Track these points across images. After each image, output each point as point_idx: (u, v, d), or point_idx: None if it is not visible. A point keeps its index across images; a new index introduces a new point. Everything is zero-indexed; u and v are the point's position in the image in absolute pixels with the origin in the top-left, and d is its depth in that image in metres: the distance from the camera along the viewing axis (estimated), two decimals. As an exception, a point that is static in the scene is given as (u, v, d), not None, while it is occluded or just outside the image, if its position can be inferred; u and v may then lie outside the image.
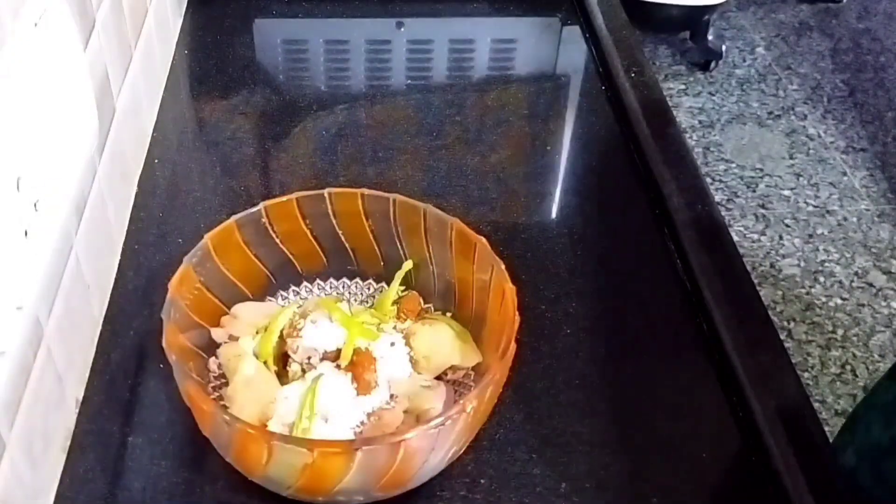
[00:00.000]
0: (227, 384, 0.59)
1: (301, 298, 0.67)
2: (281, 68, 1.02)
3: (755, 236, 2.12)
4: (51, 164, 0.54)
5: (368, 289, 0.67)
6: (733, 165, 2.34)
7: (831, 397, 1.76)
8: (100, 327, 0.67)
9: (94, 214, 0.66)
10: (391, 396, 0.59)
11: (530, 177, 0.87)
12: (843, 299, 1.96)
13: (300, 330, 0.60)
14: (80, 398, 0.62)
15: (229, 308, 0.63)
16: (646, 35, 2.79)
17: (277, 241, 0.64)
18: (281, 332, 0.61)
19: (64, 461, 0.58)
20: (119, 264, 0.72)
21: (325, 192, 0.64)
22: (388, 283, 0.66)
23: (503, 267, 0.58)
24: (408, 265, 0.65)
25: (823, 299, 1.96)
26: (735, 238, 0.74)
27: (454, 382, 0.61)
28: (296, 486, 0.52)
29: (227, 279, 0.62)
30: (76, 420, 0.60)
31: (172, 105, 0.91)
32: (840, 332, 1.89)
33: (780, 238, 2.12)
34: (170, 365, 0.52)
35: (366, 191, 0.64)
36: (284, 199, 0.63)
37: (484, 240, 0.60)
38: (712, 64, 2.69)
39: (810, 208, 2.21)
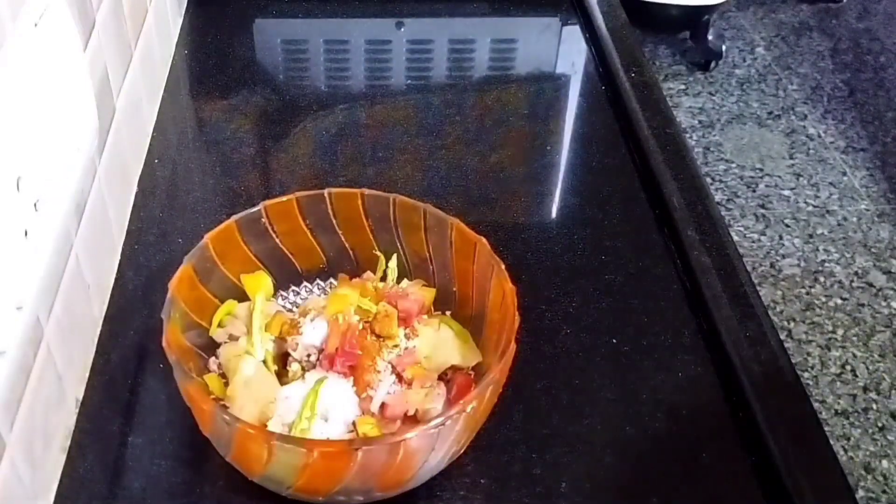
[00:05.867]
0: (227, 384, 0.59)
1: (301, 298, 0.67)
2: (281, 68, 1.02)
3: (755, 236, 2.12)
4: (51, 164, 0.54)
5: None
6: (733, 165, 2.35)
7: (831, 397, 1.76)
8: (100, 327, 0.67)
9: (94, 214, 0.66)
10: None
11: (530, 177, 0.87)
12: (843, 299, 1.96)
13: (300, 328, 0.60)
14: (80, 398, 0.62)
15: (229, 308, 0.63)
16: (646, 35, 2.79)
17: (277, 241, 0.64)
18: (280, 331, 0.61)
19: (64, 461, 0.58)
20: (119, 264, 0.72)
21: (325, 192, 0.64)
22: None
23: (503, 267, 0.58)
24: (388, 261, 0.65)
25: (823, 299, 1.96)
26: (735, 238, 0.74)
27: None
28: (296, 486, 0.52)
29: (227, 279, 0.62)
30: (76, 420, 0.60)
31: (172, 105, 0.91)
32: (840, 332, 1.89)
33: (780, 238, 2.12)
34: (170, 365, 0.52)
35: (366, 191, 0.64)
36: (284, 199, 0.63)
37: (484, 240, 0.60)
38: (712, 64, 2.69)
39: (810, 208, 2.21)
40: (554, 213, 0.84)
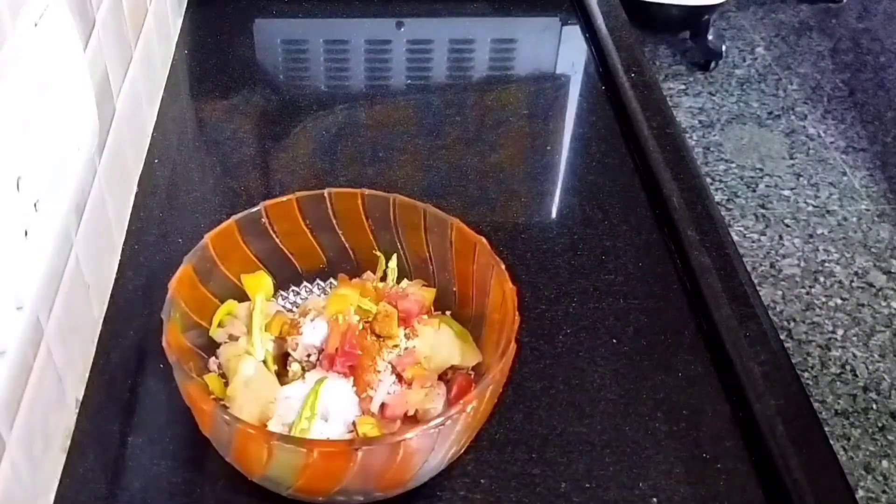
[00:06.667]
0: (227, 384, 0.59)
1: (301, 298, 0.67)
2: (281, 68, 1.02)
3: (755, 236, 2.12)
4: (51, 164, 0.54)
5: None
6: (733, 165, 2.35)
7: (831, 397, 1.76)
8: (100, 327, 0.67)
9: (94, 214, 0.66)
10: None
11: (530, 177, 0.87)
12: (843, 299, 1.96)
13: (300, 328, 0.60)
14: (80, 398, 0.62)
15: (229, 308, 0.63)
16: (646, 35, 2.79)
17: (277, 241, 0.64)
18: (280, 331, 0.61)
19: (64, 461, 0.58)
20: (119, 264, 0.72)
21: (325, 192, 0.64)
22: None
23: (503, 267, 0.58)
24: (388, 261, 0.65)
25: (823, 299, 1.96)
26: (735, 238, 0.74)
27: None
28: (296, 486, 0.52)
29: (227, 279, 0.62)
30: (76, 420, 0.60)
31: (172, 105, 0.91)
32: (840, 332, 1.89)
33: (780, 238, 2.12)
34: (170, 365, 0.52)
35: (366, 191, 0.64)
36: (284, 199, 0.63)
37: (484, 240, 0.60)
38: (712, 64, 2.69)
39: (810, 208, 2.21)
40: (554, 213, 0.84)
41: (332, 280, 0.67)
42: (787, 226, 2.16)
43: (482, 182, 0.85)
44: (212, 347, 0.61)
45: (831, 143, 2.44)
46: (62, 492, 0.57)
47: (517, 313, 0.55)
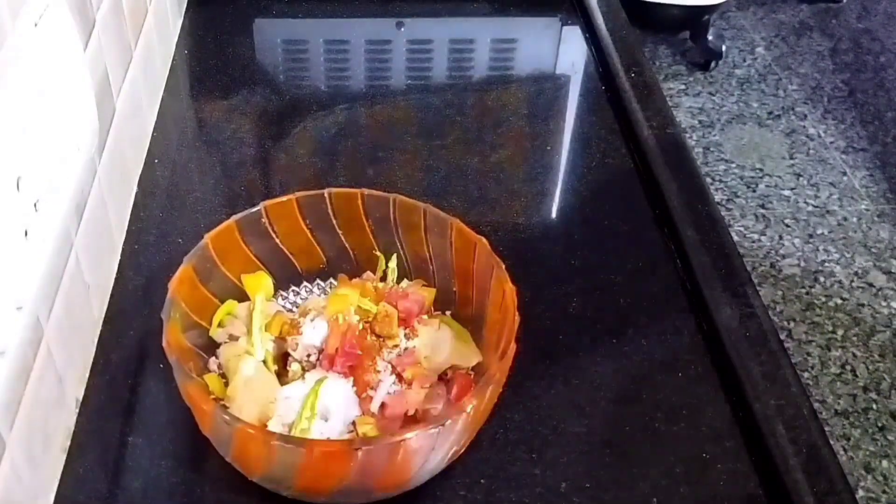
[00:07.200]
0: (227, 384, 0.59)
1: (301, 298, 0.67)
2: (281, 68, 1.02)
3: (755, 236, 2.12)
4: (51, 164, 0.54)
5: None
6: (733, 165, 2.34)
7: (831, 397, 1.76)
8: (100, 327, 0.67)
9: (94, 214, 0.66)
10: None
11: (530, 177, 0.87)
12: (843, 299, 1.96)
13: (300, 328, 0.60)
14: (80, 398, 0.62)
15: (229, 308, 0.63)
16: (646, 35, 2.79)
17: (277, 241, 0.64)
18: (280, 331, 0.61)
19: (64, 461, 0.58)
20: (119, 264, 0.72)
21: (325, 192, 0.64)
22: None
23: (503, 267, 0.58)
24: (388, 261, 0.65)
25: (823, 299, 1.96)
26: (735, 238, 0.74)
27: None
28: (296, 486, 0.52)
29: (227, 279, 0.62)
30: (76, 420, 0.60)
31: (172, 105, 0.91)
32: (840, 332, 1.89)
33: (780, 238, 2.12)
34: (170, 365, 0.52)
35: (366, 191, 0.64)
36: (284, 199, 0.63)
37: (484, 240, 0.60)
38: (712, 64, 2.69)
39: (810, 208, 2.21)
40: (554, 213, 0.84)
41: (332, 280, 0.67)
42: (787, 226, 2.16)
43: (482, 182, 0.85)
44: (212, 347, 0.61)
45: (831, 143, 2.44)
46: (62, 492, 0.56)
47: (517, 313, 0.55)
